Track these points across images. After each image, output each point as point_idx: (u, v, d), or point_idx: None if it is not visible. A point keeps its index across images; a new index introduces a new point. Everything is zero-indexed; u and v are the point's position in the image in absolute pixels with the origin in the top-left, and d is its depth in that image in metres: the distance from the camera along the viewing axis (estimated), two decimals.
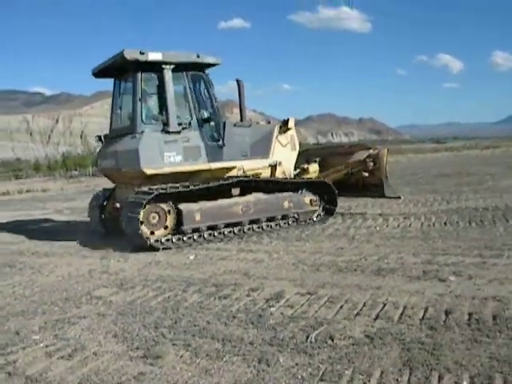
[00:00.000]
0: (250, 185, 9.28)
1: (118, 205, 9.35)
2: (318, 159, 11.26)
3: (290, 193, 9.68)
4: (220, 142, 9.35)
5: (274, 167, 10.10)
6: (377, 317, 4.33)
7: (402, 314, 4.34)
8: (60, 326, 4.65)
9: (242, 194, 9.23)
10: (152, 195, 8.07)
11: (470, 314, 4.21)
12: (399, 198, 10.86)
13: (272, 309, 4.73)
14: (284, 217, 9.51)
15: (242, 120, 10.00)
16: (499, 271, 5.48)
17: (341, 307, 4.65)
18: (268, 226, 9.24)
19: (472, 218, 9.10)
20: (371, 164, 10.47)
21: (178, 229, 8.39)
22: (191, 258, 7.43)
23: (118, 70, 9.32)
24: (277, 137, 10.26)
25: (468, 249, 6.68)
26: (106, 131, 10.11)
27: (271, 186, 9.54)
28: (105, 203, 10.13)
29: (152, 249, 8.09)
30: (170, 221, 8.37)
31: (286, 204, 9.45)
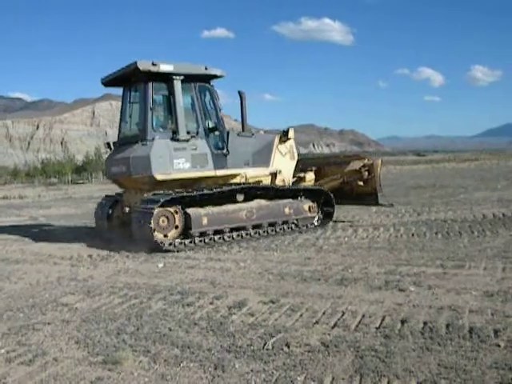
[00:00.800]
0: (253, 191, 9.62)
1: (126, 209, 9.63)
2: (313, 168, 11.69)
3: (290, 200, 10.05)
4: (225, 151, 9.69)
5: (274, 175, 10.51)
6: (335, 325, 4.44)
7: (359, 323, 4.45)
8: (23, 333, 4.67)
9: (245, 200, 9.52)
10: (169, 197, 8.40)
11: (424, 323, 4.34)
12: (392, 205, 11.25)
13: (233, 316, 4.81)
14: (284, 222, 9.87)
15: (243, 130, 10.34)
16: (458, 281, 5.64)
17: (301, 315, 4.75)
18: (264, 232, 9.53)
19: (439, 229, 9.31)
20: (366, 173, 10.90)
21: (185, 232, 8.69)
22: (160, 266, 7.48)
23: (129, 79, 9.64)
24: (277, 146, 10.64)
25: (431, 260, 6.85)
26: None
27: (273, 192, 9.92)
28: (112, 208, 10.35)
29: (157, 249, 8.43)
30: (179, 224, 8.67)
31: (286, 210, 9.84)
